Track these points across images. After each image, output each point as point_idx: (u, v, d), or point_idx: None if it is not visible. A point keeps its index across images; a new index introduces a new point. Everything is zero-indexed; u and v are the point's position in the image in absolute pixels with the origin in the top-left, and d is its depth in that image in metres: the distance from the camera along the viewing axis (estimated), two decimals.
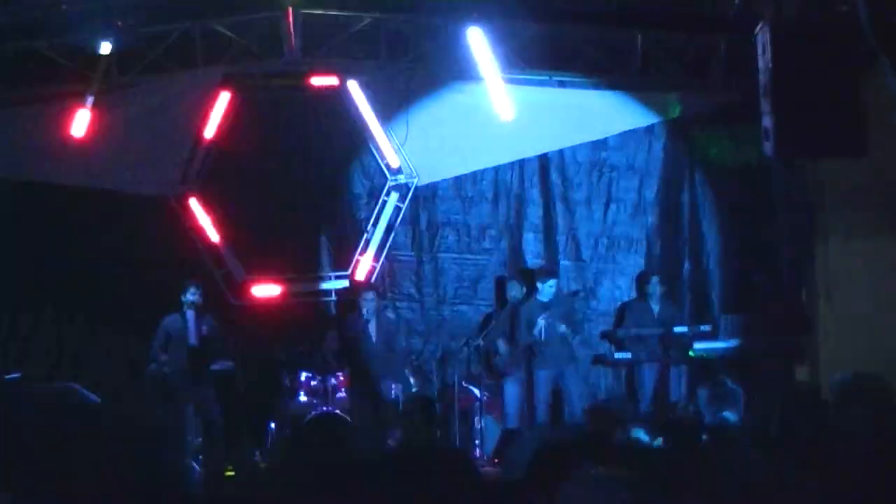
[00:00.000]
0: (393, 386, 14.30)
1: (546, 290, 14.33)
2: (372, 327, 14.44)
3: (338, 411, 13.60)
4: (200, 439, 13.74)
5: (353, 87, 14.85)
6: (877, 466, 5.32)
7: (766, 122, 10.13)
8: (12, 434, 12.21)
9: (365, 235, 15.23)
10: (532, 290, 14.67)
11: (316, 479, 7.08)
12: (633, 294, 15.39)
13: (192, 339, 13.80)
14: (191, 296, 13.84)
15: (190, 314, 13.85)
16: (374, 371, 14.24)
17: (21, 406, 12.75)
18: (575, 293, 14.74)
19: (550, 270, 14.74)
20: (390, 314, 14.92)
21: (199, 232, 14.76)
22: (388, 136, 15.07)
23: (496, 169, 15.51)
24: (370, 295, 14.53)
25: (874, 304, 11.78)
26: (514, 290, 14.91)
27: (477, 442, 14.05)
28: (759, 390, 12.30)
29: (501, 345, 14.59)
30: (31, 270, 14.36)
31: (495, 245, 15.65)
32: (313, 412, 13.69)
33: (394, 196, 15.23)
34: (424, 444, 8.54)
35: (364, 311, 14.43)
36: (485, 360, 14.71)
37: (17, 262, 14.29)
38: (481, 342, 14.51)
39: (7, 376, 13.13)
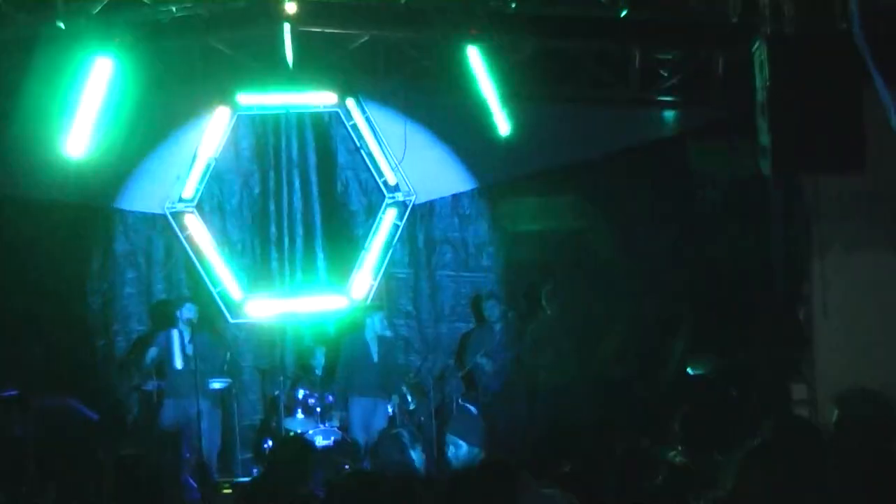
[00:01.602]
0: (390, 403, 14.31)
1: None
2: (373, 348, 14.45)
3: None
4: (195, 456, 13.72)
5: (351, 103, 14.89)
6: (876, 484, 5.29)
7: (764, 139, 10.12)
8: (11, 449, 12.28)
9: (362, 253, 15.22)
10: (535, 306, 14.68)
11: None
12: None
13: (176, 361, 13.83)
14: (187, 312, 13.91)
15: (174, 335, 13.88)
16: (372, 388, 14.28)
17: (18, 422, 12.78)
18: None
19: None
20: (387, 331, 14.91)
21: (197, 249, 14.76)
22: (385, 153, 15.09)
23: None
24: (377, 315, 14.55)
25: (873, 319, 11.74)
26: (492, 310, 14.93)
27: None
28: (756, 406, 12.33)
29: (487, 363, 14.60)
30: (28, 286, 14.35)
31: (492, 262, 15.63)
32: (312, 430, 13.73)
33: (391, 213, 15.23)
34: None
35: (366, 328, 14.47)
36: (469, 381, 14.74)
37: (12, 279, 14.27)
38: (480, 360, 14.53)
39: (4, 392, 13.09)
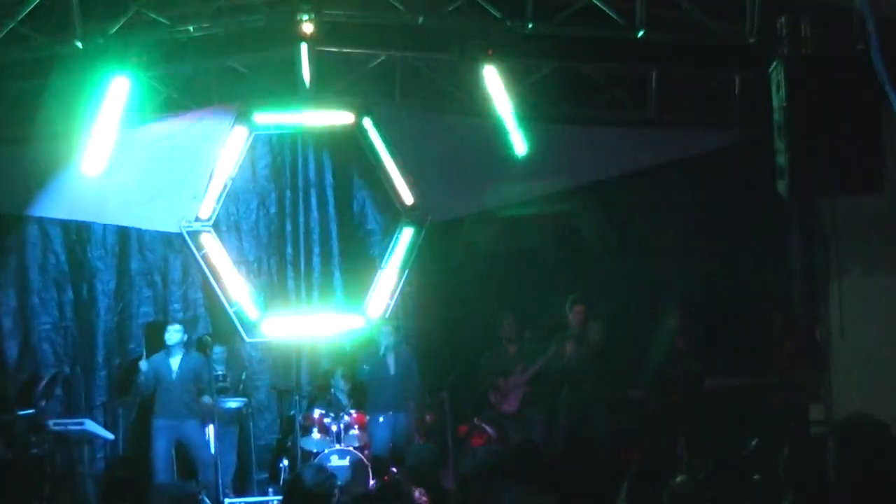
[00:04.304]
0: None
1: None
2: (390, 361, 14.48)
3: None
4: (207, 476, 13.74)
5: (368, 123, 14.89)
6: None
7: (781, 160, 10.09)
8: (26, 469, 12.29)
9: (379, 272, 15.21)
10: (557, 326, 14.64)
11: None
12: None
13: (168, 381, 13.88)
14: (174, 334, 13.93)
15: (163, 359, 13.96)
16: (392, 405, 14.30)
17: (35, 442, 12.80)
18: None
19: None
20: (406, 348, 14.87)
21: (213, 268, 14.76)
22: (402, 173, 15.07)
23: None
24: (388, 329, 14.57)
25: (891, 341, 11.68)
26: (507, 329, 14.90)
27: None
28: (773, 427, 12.26)
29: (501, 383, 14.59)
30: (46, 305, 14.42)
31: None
32: (328, 449, 13.72)
33: (408, 233, 15.21)
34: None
35: (382, 345, 14.49)
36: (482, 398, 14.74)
37: (37, 296, 14.34)
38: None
39: (20, 412, 13.12)
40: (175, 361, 14.01)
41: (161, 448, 13.82)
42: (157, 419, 13.92)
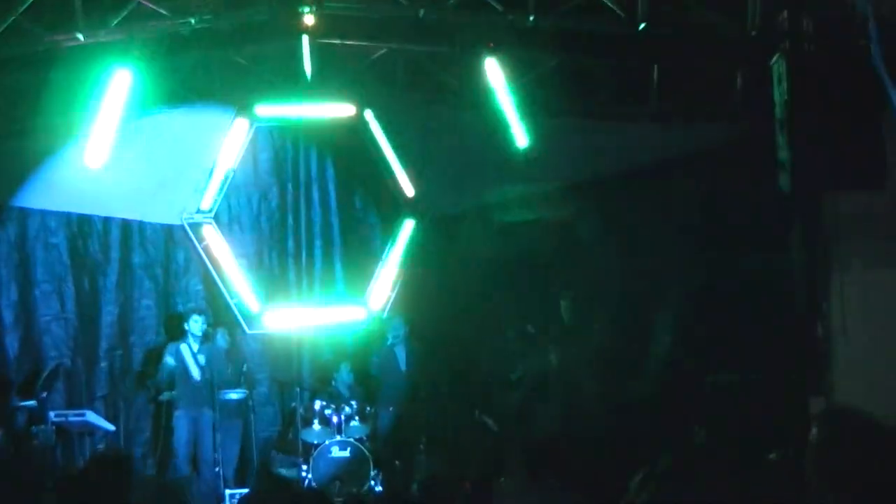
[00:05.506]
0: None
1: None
2: (400, 356, 14.52)
3: None
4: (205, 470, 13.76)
5: (369, 116, 14.89)
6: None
7: (782, 155, 10.08)
8: (29, 462, 12.32)
9: (380, 265, 15.22)
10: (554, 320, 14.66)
11: None
12: None
13: (193, 372, 13.86)
14: (194, 324, 13.95)
15: (183, 348, 13.93)
16: (401, 397, 14.34)
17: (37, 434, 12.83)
18: None
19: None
20: (417, 345, 14.85)
21: (215, 260, 14.77)
22: (403, 166, 15.07)
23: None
24: (397, 322, 14.60)
25: (893, 338, 11.65)
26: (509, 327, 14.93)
27: None
28: (775, 423, 12.26)
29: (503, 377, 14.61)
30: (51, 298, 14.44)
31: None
32: (329, 441, 13.73)
33: (409, 225, 15.21)
34: None
35: (390, 337, 14.52)
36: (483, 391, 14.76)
37: (38, 289, 14.35)
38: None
39: (23, 403, 13.14)
40: (199, 352, 14.02)
41: (183, 437, 13.90)
42: (179, 409, 13.98)
